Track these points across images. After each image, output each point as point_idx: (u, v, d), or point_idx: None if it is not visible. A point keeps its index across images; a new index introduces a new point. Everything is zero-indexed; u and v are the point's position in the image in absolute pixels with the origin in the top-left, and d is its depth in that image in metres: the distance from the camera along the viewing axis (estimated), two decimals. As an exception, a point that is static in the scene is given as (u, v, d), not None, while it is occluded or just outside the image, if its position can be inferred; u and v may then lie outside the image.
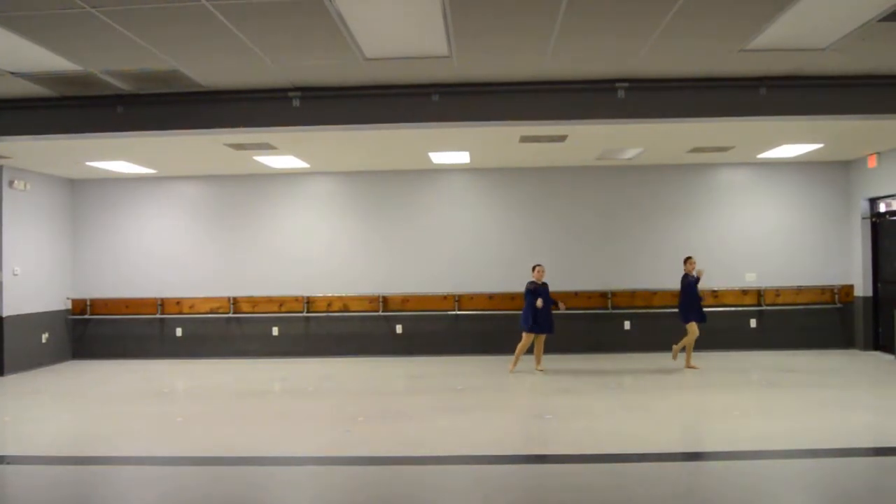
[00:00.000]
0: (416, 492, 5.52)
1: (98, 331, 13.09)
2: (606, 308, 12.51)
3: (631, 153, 11.27)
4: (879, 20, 5.73)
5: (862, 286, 12.30)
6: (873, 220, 12.25)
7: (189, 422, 7.97)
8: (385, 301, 12.72)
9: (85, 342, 13.11)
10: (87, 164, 11.30)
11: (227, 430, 7.55)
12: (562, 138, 9.82)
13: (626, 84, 7.55)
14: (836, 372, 10.43)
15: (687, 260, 10.80)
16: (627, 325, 12.59)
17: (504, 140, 9.97)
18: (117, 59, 6.59)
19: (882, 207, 12.08)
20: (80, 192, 13.19)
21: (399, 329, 12.79)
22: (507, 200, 12.85)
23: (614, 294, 12.51)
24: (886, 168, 11.46)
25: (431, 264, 12.82)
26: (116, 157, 10.87)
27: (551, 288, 10.87)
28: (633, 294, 12.52)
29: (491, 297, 12.53)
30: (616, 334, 12.58)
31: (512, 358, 10.91)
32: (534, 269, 10.73)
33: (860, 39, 6.24)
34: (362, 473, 6.02)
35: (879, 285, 12.17)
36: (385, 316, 12.78)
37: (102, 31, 5.79)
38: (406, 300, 12.71)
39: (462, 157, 11.56)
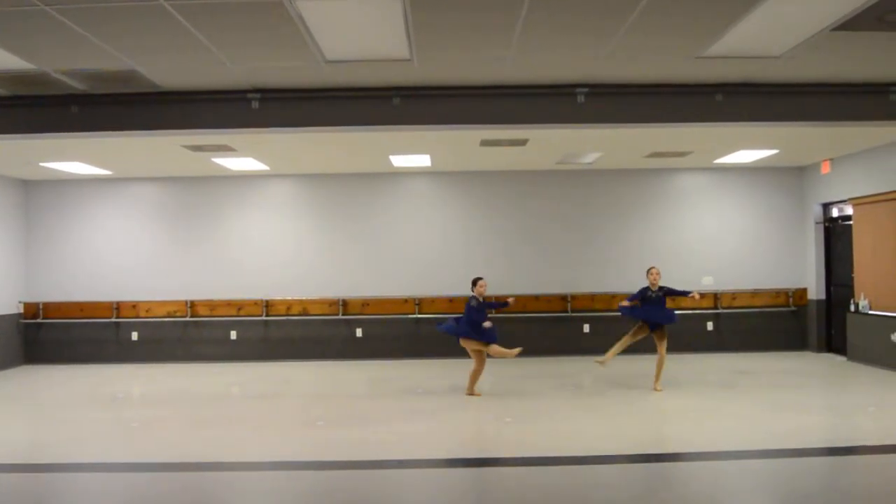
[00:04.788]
0: (378, 496, 5.49)
1: (51, 335, 12.79)
2: (566, 311, 12.59)
3: (590, 158, 11.37)
4: (832, 30, 5.86)
5: (815, 289, 12.56)
6: (826, 224, 12.54)
7: (146, 427, 7.82)
8: (345, 304, 12.64)
9: (37, 347, 12.79)
10: (41, 164, 11.04)
11: (186, 436, 7.43)
12: (522, 142, 9.87)
13: (585, 89, 7.60)
14: (790, 373, 10.63)
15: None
16: (587, 328, 12.69)
17: (465, 143, 9.99)
18: (72, 58, 6.43)
19: (835, 212, 12.38)
20: (34, 193, 12.88)
21: (359, 332, 12.72)
22: (467, 204, 12.86)
23: (574, 297, 12.60)
24: (839, 174, 11.74)
25: (392, 268, 12.78)
26: (71, 158, 10.65)
27: (514, 292, 10.75)
28: (592, 297, 12.61)
29: (451, 300, 12.49)
30: (575, 337, 12.65)
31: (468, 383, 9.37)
32: (476, 282, 9.13)
33: (813, 48, 6.37)
34: (322, 478, 5.96)
35: (832, 288, 12.44)
36: (345, 319, 12.70)
37: (57, 30, 5.65)
38: (366, 304, 12.65)
39: (423, 161, 11.55)
